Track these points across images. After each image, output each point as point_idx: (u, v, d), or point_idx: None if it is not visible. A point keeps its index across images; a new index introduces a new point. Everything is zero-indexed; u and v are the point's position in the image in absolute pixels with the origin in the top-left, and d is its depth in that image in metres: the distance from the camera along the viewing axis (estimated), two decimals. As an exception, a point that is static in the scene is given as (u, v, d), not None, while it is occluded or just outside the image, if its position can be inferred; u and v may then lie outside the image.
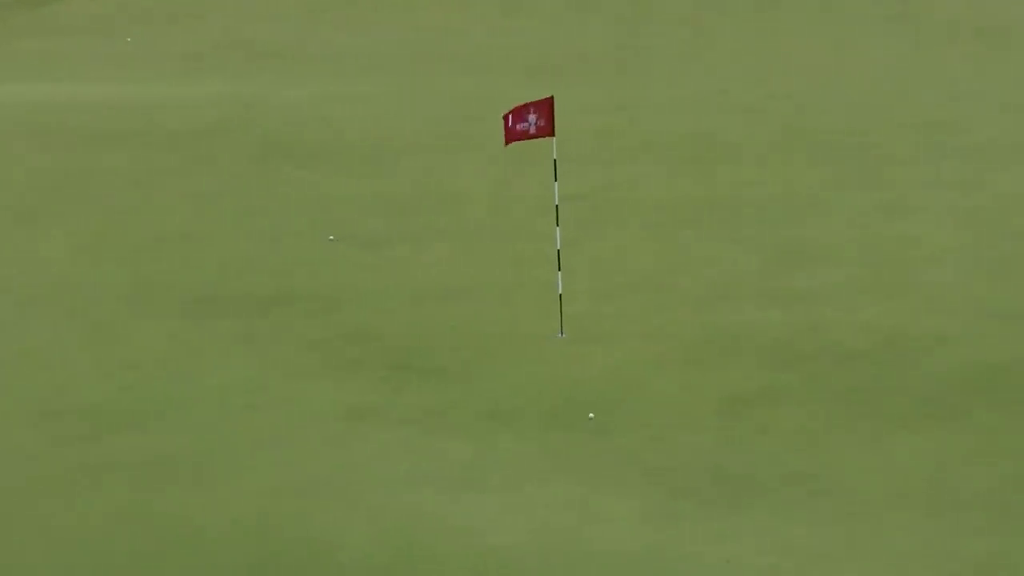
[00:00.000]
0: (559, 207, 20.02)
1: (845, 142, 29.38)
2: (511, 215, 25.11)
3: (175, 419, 17.19)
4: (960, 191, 25.65)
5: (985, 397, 17.15)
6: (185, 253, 23.42)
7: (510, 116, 18.50)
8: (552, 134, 18.86)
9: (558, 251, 19.86)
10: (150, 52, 41.36)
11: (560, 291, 19.70)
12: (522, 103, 18.63)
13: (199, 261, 22.96)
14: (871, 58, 37.89)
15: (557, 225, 19.82)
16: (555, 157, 19.56)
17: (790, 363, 18.24)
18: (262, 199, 26.59)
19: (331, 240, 23.91)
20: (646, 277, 21.68)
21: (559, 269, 19.81)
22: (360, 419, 17.07)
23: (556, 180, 19.65)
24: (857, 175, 26.97)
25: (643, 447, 16.18)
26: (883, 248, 22.70)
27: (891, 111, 31.84)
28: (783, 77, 35.75)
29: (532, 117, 18.57)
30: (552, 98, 18.80)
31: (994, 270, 21.47)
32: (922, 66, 36.51)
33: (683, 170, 27.87)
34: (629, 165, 28.41)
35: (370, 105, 34.16)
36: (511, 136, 18.55)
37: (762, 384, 17.64)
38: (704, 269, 21.97)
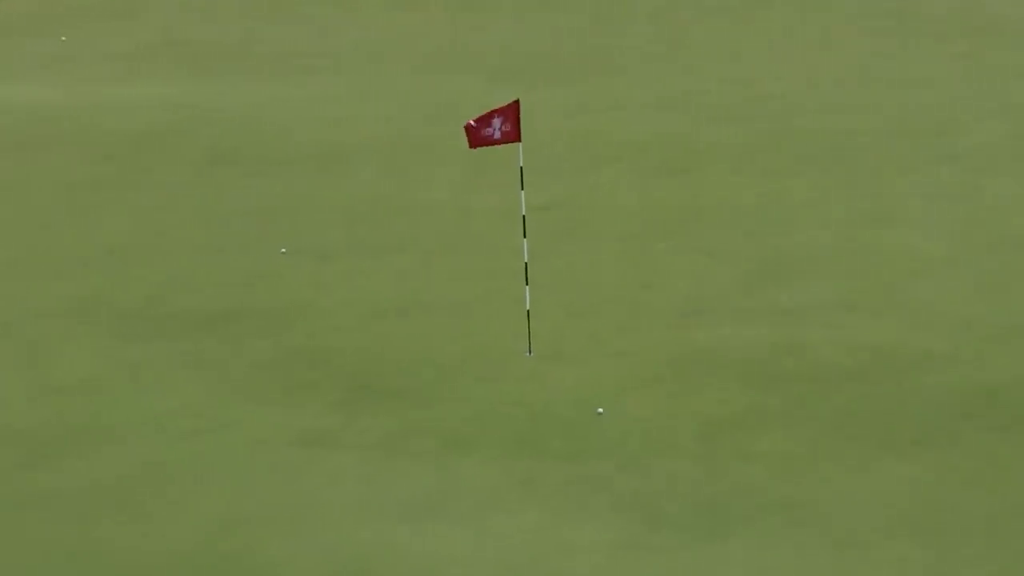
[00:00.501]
0: (526, 217, 20.05)
1: (831, 147, 29.53)
2: (475, 226, 25.15)
3: (114, 446, 17.10)
4: (952, 199, 25.87)
5: (980, 420, 17.27)
6: (124, 268, 23.36)
7: (472, 122, 18.53)
8: (518, 140, 18.89)
9: (525, 264, 19.89)
10: (86, 52, 41.20)
11: (528, 307, 19.74)
12: (486, 111, 18.64)
13: (139, 276, 22.91)
14: (858, 57, 38.19)
15: (524, 236, 19.86)
16: (521, 164, 19.60)
17: (772, 384, 18.32)
18: (207, 209, 26.55)
19: (282, 253, 23.90)
20: (619, 292, 21.73)
21: (526, 283, 19.85)
22: (314, 445, 17.04)
23: (523, 189, 19.68)
24: (843, 182, 27.12)
25: (616, 473, 16.22)
26: (871, 260, 22.84)
27: (879, 114, 32.06)
28: (765, 77, 35.96)
29: (497, 122, 18.60)
30: (518, 102, 18.85)
31: (989, 283, 21.64)
32: (912, 66, 36.82)
33: (658, 177, 27.94)
34: (601, 172, 28.47)
35: (323, 108, 34.11)
36: (476, 140, 18.55)
37: (743, 406, 17.71)
38: (681, 283, 22.07)
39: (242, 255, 23.87)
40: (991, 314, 20.43)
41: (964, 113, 31.91)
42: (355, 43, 41.95)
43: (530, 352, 19.42)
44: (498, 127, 18.59)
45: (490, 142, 18.66)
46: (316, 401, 18.11)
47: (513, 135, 18.77)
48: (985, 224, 24.37)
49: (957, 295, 21.26)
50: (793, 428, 17.14)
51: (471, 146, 18.65)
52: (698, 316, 20.65)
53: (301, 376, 18.89)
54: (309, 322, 20.76)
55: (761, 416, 17.46)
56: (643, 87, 35.55)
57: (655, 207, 25.98)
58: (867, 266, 22.58)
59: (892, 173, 27.63)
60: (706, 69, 37.37)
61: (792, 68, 37.17)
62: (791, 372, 18.64)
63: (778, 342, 19.61)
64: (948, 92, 33.90)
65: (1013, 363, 18.74)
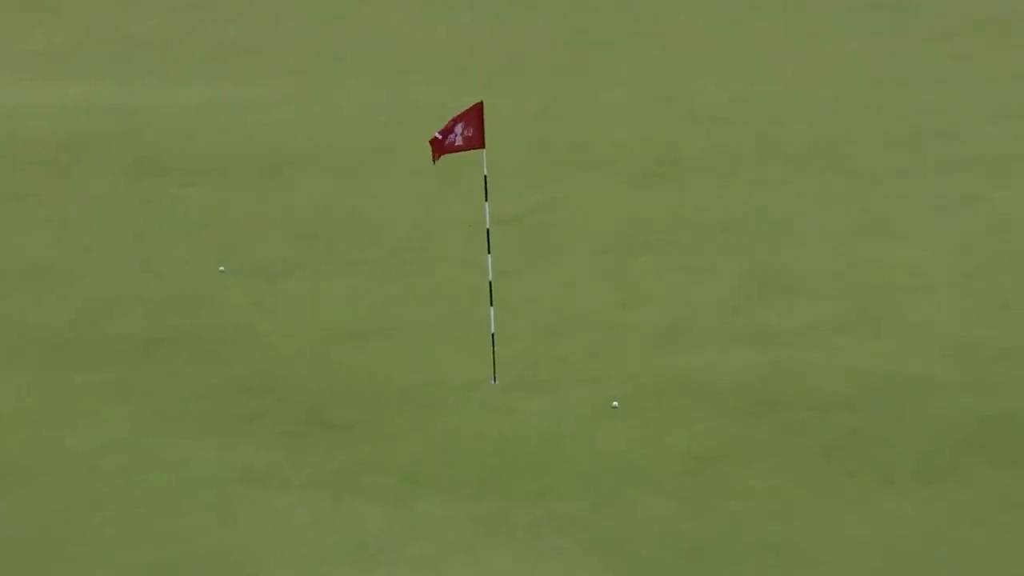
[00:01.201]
0: (491, 231, 20.07)
1: (824, 154, 29.62)
2: (435, 241, 25.17)
3: (33, 486, 17.00)
4: (956, 210, 25.99)
5: (987, 452, 17.34)
6: (45, 288, 23.26)
7: (438, 135, 18.54)
8: (482, 146, 18.90)
9: (490, 283, 19.92)
10: (3, 50, 41.01)
11: (493, 330, 19.75)
12: (449, 119, 18.66)
13: (63, 297, 22.81)
14: (853, 57, 38.40)
15: (489, 252, 19.88)
16: (486, 173, 19.60)
17: (762, 413, 18.38)
18: (139, 223, 26.47)
19: (221, 272, 23.89)
20: (594, 313, 21.77)
21: (491, 304, 19.87)
22: (257, 483, 17.00)
23: (487, 200, 19.70)
24: (837, 191, 27.22)
25: (590, 513, 16.22)
26: (868, 277, 22.94)
27: (876, 117, 32.20)
28: (753, 79, 36.10)
29: (459, 127, 18.62)
30: (481, 104, 18.87)
31: (996, 302, 21.74)
32: (910, 65, 37.04)
33: (637, 186, 27.98)
34: (573, 180, 28.49)
35: (268, 111, 34.04)
36: (439, 151, 18.57)
37: (729, 438, 17.76)
38: (662, 303, 22.12)
39: (177, 274, 23.84)
40: (998, 336, 20.52)
41: (968, 116, 32.08)
42: (303, 39, 41.92)
43: (495, 380, 19.44)
44: (460, 132, 18.60)
45: (451, 149, 18.68)
46: (260, 435, 18.06)
47: (476, 141, 18.76)
48: (991, 237, 24.50)
49: (961, 315, 21.37)
50: (784, 462, 17.19)
51: (435, 159, 18.64)
52: (680, 339, 20.72)
53: (243, 407, 18.85)
54: (252, 348, 20.73)
55: (749, 449, 17.51)
56: (619, 87, 35.63)
57: (633, 219, 26.04)
58: (864, 283, 22.69)
59: (890, 181, 27.74)
60: (689, 68, 37.48)
61: (782, 67, 37.33)
62: (782, 400, 18.70)
63: (768, 367, 19.68)
64: (950, 93, 34.09)
65: (1023, 390, 18.81)
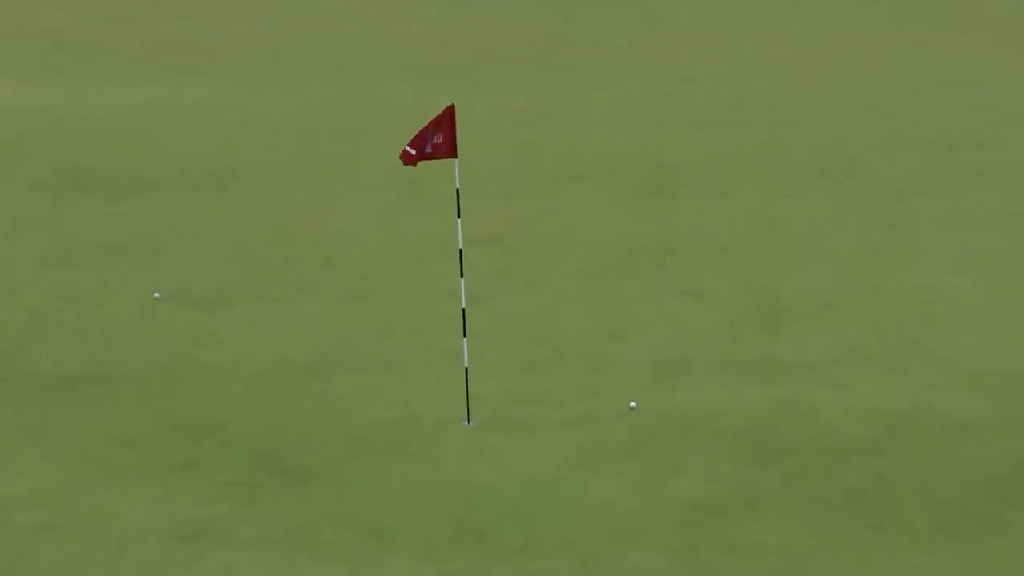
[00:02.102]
0: (464, 252, 20.07)
1: (836, 163, 29.71)
2: (401, 263, 25.13)
3: (-55, 543, 16.91)
4: (987, 229, 26.07)
5: (1022, 500, 17.35)
6: (-40, 316, 23.21)
7: (411, 150, 18.46)
8: (453, 155, 18.89)
9: (463, 310, 19.90)
10: (-87, 45, 40.94)
11: (466, 364, 19.73)
12: (420, 128, 18.62)
13: (-21, 327, 22.75)
14: (868, 53, 38.52)
15: (462, 276, 19.84)
16: (458, 185, 19.60)
17: (769, 458, 18.36)
18: (62, 243, 26.39)
19: (157, 298, 23.83)
20: (580, 344, 21.75)
21: (464, 334, 19.85)
22: (198, 539, 16.90)
23: (460, 216, 19.71)
24: (853, 207, 27.27)
25: (577, 571, 16.15)
26: (887, 304, 22.98)
27: (895, 122, 32.31)
28: (754, 79, 36.19)
29: (429, 134, 18.59)
30: (452, 108, 18.86)
31: (1031, 332, 21.92)
32: (931, 64, 37.19)
33: (628, 200, 28.04)
34: (557, 194, 28.53)
35: (211, 115, 34.02)
36: (406, 157, 18.54)
37: (732, 486, 17.73)
38: (656, 333, 22.09)
39: (105, 301, 23.74)
40: (1036, 369, 20.64)
41: (999, 121, 32.20)
42: (252, 34, 41.90)
43: (469, 420, 19.40)
44: (429, 140, 18.60)
45: (421, 158, 18.65)
46: (201, 484, 17.96)
47: (447, 149, 18.77)
48: (1027, 258, 24.67)
49: (993, 347, 21.39)
50: (795, 513, 17.15)
51: (414, 163, 18.59)
52: (677, 373, 20.70)
53: (181, 453, 18.74)
54: (191, 385, 20.64)
55: (755, 498, 17.47)
56: (607, 87, 35.70)
57: (624, 237, 26.05)
58: (883, 311, 22.71)
59: (912, 195, 27.82)
60: (685, 66, 37.57)
61: (788, 65, 37.43)
62: (792, 443, 18.68)
63: (776, 406, 19.67)
64: (979, 95, 34.21)
65: (1064, 430, 18.91)
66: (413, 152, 18.54)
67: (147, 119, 33.68)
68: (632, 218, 27.07)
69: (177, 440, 19.06)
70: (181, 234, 26.69)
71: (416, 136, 18.66)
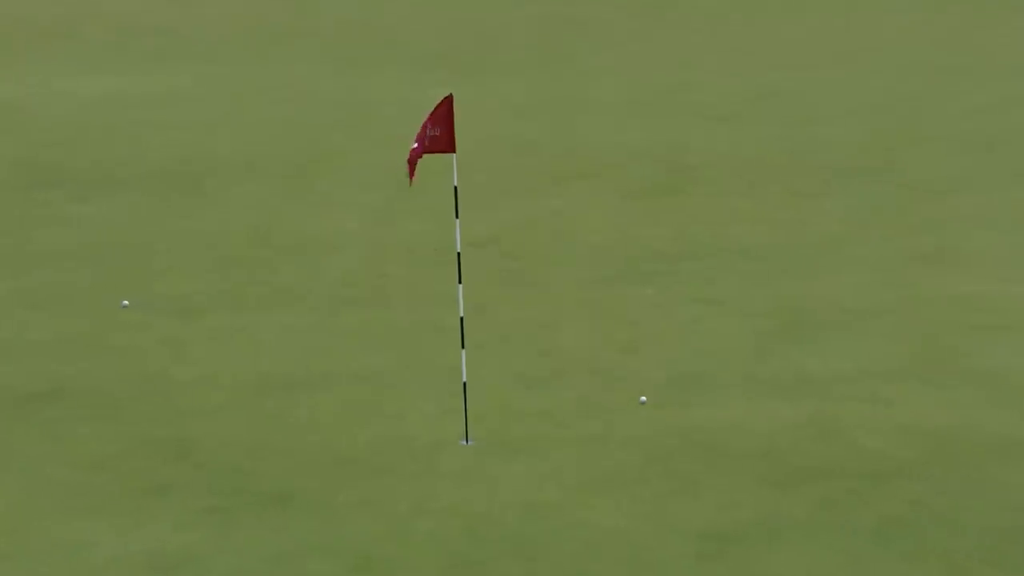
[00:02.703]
0: (462, 256, 20.00)
1: (867, 162, 29.78)
2: (392, 268, 25.09)
3: None
4: (1033, 231, 26.17)
5: (1077, 529, 17.30)
6: (-90, 326, 23.17)
7: (415, 144, 18.39)
8: (451, 150, 18.84)
9: (461, 320, 19.81)
10: None
11: (464, 378, 19.65)
12: (422, 121, 18.56)
13: (-70, 338, 22.72)
14: (901, 40, 38.48)
15: (460, 282, 19.78)
16: (456, 183, 19.55)
17: (794, 481, 18.26)
18: (19, 247, 26.33)
19: (124, 307, 23.79)
20: (588, 356, 21.68)
21: (463, 346, 19.77)
22: (171, 572, 16.79)
23: (458, 217, 19.62)
24: (889, 208, 27.29)
25: (586, 608, 16.07)
26: (927, 313, 22.94)
27: (935, 115, 32.31)
28: (778, 68, 36.18)
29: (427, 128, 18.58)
30: (450, 98, 18.79)
31: (1084, 344, 21.84)
32: (971, 53, 37.15)
33: (639, 200, 28.09)
34: (561, 194, 28.58)
35: (183, 108, 34.01)
36: (412, 168, 18.50)
37: (755, 513, 17.62)
38: (669, 345, 22.04)
39: (68, 311, 23.70)
40: (1090, 384, 20.58)
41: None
42: (228, 18, 41.85)
43: (467, 440, 19.32)
44: (427, 135, 18.57)
45: (415, 156, 18.57)
46: (173, 511, 17.87)
47: (445, 143, 18.72)
48: (1079, 263, 24.70)
49: (1044, 359, 21.38)
50: (824, 543, 17.04)
51: (411, 179, 18.58)
52: (694, 389, 20.62)
53: (152, 476, 18.65)
54: (163, 402, 20.57)
55: (781, 527, 17.35)
56: (617, 79, 35.70)
57: (635, 240, 26.02)
58: (921, 320, 22.69)
59: (953, 195, 27.86)
60: (701, 53, 37.57)
61: (814, 52, 37.41)
62: (821, 466, 18.58)
63: (804, 425, 19.58)
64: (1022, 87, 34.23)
65: (1121, 451, 18.80)
66: (416, 147, 18.45)
67: (114, 111, 33.69)
68: (644, 219, 27.12)
69: (147, 462, 18.96)
70: (152, 237, 26.67)
71: (418, 134, 18.59)
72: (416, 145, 18.59)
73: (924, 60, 36.42)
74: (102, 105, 34.04)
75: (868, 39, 38.44)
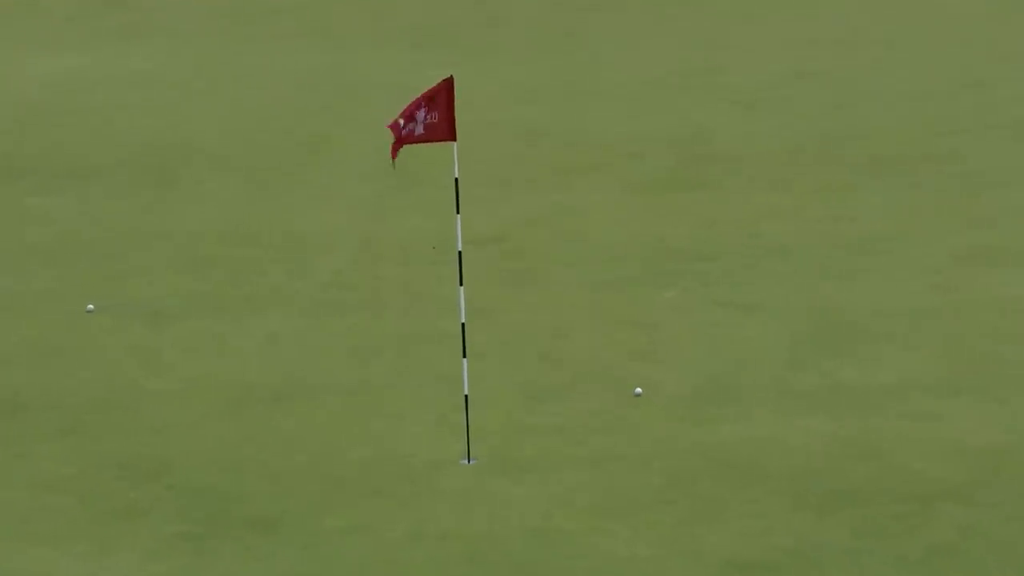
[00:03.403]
0: (463, 255, 19.98)
1: (912, 151, 29.73)
2: (385, 268, 25.06)
3: None
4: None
5: None
6: None
7: (400, 120, 18.41)
8: (452, 138, 18.85)
9: (462, 325, 19.81)
10: None
11: (466, 390, 19.64)
12: (414, 98, 18.53)
13: None
14: (950, 17, 38.48)
15: (460, 284, 19.77)
16: (457, 175, 19.54)
17: (832, 505, 18.23)
18: (-21, 243, 26.37)
19: (90, 311, 23.78)
20: (602, 366, 21.67)
21: (464, 355, 19.75)
22: (140, 604, 16.81)
23: (458, 211, 19.61)
24: (932, 204, 27.23)
25: (601, 645, 16.12)
26: (977, 319, 22.90)
27: (983, 102, 32.27)
28: (813, 48, 36.16)
29: (421, 112, 18.53)
30: (451, 81, 18.79)
31: None
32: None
33: (656, 195, 28.06)
34: (573, 186, 28.56)
35: (155, 89, 34.03)
36: (397, 145, 18.50)
37: (788, 540, 17.59)
38: (692, 353, 22.02)
39: (26, 316, 23.71)
40: None
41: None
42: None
43: (469, 459, 19.32)
44: (422, 119, 18.51)
45: (410, 140, 18.55)
46: (144, 537, 17.85)
47: (443, 131, 18.72)
48: None
49: (1110, 370, 21.35)
50: (865, 572, 17.00)
51: (393, 156, 18.57)
52: (721, 403, 20.60)
53: (121, 500, 18.64)
54: (132, 416, 20.56)
55: (817, 555, 17.33)
56: (632, 59, 35.70)
57: (654, 238, 26.00)
58: (972, 327, 22.65)
59: (1008, 188, 27.79)
60: (725, 32, 37.55)
61: (853, 31, 37.40)
62: (861, 488, 18.55)
63: (841, 442, 19.55)
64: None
65: None
66: (402, 123, 18.40)
67: (79, 93, 33.71)
68: (663, 215, 27.11)
69: (114, 483, 18.94)
70: (120, 233, 26.65)
71: (406, 109, 18.54)
72: (402, 123, 18.47)
73: (979, 39, 36.40)
74: (62, 86, 34.06)
75: (919, 14, 38.44)
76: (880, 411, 20.30)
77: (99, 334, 22.98)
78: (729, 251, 25.42)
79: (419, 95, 18.71)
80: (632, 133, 30.96)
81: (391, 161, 18.71)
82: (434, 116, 18.68)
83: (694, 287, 24.15)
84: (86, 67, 35.49)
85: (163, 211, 27.67)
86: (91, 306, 23.84)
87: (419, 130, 18.66)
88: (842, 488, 18.55)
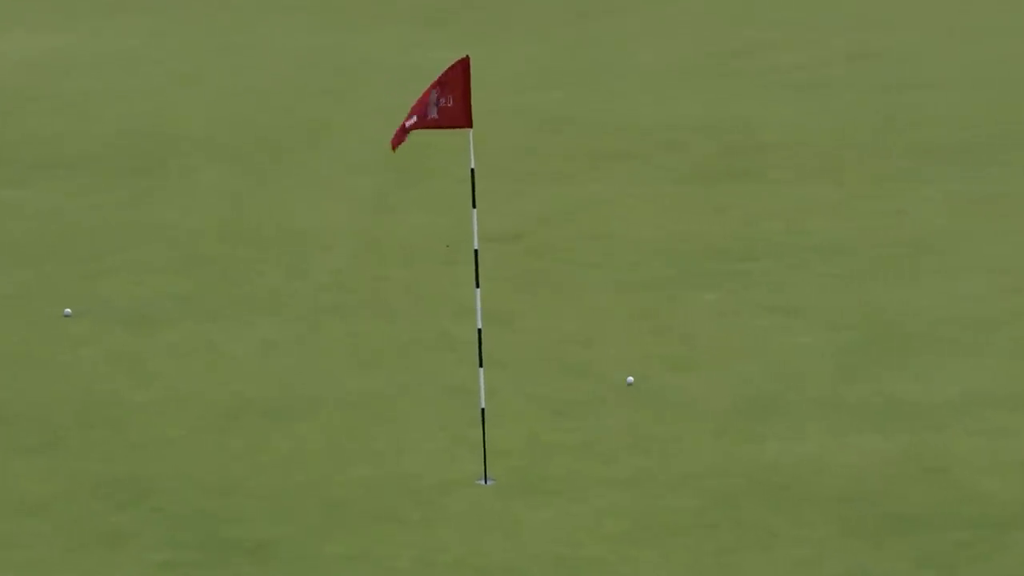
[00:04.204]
0: (480, 253, 19.96)
1: (977, 140, 29.76)
2: (392, 269, 25.12)
3: None
4: None
5: None
6: None
7: (413, 116, 18.46)
8: (468, 124, 18.85)
9: (479, 331, 19.79)
10: None
11: (483, 403, 19.61)
12: (423, 92, 18.57)
13: None
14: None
15: (477, 286, 19.76)
16: (473, 165, 19.50)
17: (890, 530, 18.20)
18: (-56, 240, 26.41)
19: (67, 316, 23.84)
20: (632, 378, 21.61)
21: (480, 364, 19.73)
22: (122, 639, 16.85)
23: (475, 206, 19.59)
24: (998, 197, 27.27)
25: None
26: (1049, 326, 22.93)
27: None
28: (861, 26, 36.16)
29: (433, 95, 18.55)
30: (467, 61, 18.79)
31: None
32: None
33: (691, 188, 28.14)
34: (597, 179, 28.63)
35: (140, 71, 34.09)
36: (400, 134, 18.54)
37: (839, 568, 17.56)
38: (734, 363, 22.05)
39: (0, 320, 23.68)
40: None
41: None
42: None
43: (486, 479, 19.30)
44: (434, 103, 18.50)
45: (422, 125, 18.55)
46: (127, 564, 17.85)
47: (459, 116, 18.75)
48: None
49: None
50: (928, 608, 17.00)
51: (393, 146, 18.64)
52: (766, 418, 20.62)
53: (103, 523, 18.65)
54: (113, 432, 20.59)
55: (874, 587, 17.28)
56: (665, 37, 35.71)
57: (689, 236, 26.08)
58: (1044, 335, 22.66)
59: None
60: (770, 8, 37.55)
61: (912, 6, 37.37)
62: (924, 512, 18.53)
63: (899, 461, 19.55)
64: None
65: None
66: (416, 120, 18.45)
67: (58, 75, 33.81)
68: (701, 210, 27.19)
69: (96, 505, 18.96)
70: (101, 230, 26.77)
71: (417, 103, 18.56)
72: (415, 119, 18.53)
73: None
74: (37, 68, 34.13)
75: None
76: (943, 427, 20.29)
77: (77, 341, 23.06)
78: (774, 250, 25.53)
79: (429, 86, 18.71)
80: (664, 119, 31.03)
81: (392, 148, 18.74)
82: (449, 100, 18.68)
83: (736, 290, 24.22)
84: (64, 47, 35.57)
85: (148, 205, 27.75)
86: (68, 310, 23.91)
87: (432, 114, 18.66)
88: (901, 512, 18.51)
